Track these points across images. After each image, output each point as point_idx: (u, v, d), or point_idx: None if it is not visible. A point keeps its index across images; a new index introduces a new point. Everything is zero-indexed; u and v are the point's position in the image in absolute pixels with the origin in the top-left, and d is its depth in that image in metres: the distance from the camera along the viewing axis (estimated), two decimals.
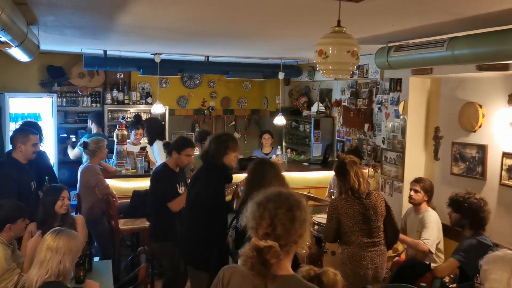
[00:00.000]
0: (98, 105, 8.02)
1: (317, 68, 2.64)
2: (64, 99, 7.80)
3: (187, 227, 3.77)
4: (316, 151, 7.21)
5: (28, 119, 6.47)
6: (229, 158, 3.76)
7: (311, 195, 5.38)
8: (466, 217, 3.71)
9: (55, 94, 7.34)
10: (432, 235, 4.11)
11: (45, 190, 3.94)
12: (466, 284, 3.48)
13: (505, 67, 3.94)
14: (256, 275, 1.83)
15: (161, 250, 4.36)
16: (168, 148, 4.49)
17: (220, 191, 3.74)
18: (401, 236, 4.28)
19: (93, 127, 7.00)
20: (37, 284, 2.56)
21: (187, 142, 4.32)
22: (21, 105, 6.91)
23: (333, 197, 4.81)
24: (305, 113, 7.65)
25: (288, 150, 8.11)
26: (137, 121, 6.64)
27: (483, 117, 4.53)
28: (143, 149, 6.16)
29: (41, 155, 4.68)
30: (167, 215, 4.18)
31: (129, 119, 7.86)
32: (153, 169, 5.94)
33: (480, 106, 4.55)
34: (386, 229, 3.80)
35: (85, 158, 5.10)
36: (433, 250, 4.09)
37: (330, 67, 2.53)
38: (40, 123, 5.93)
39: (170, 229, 4.16)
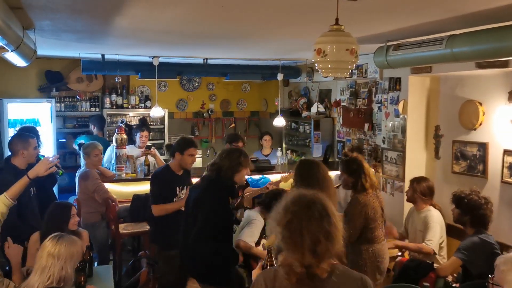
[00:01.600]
0: (97, 110, 8.00)
1: (316, 67, 2.62)
2: (62, 104, 7.79)
3: (197, 246, 3.55)
4: (317, 152, 7.18)
5: (26, 125, 6.44)
6: (241, 174, 3.63)
7: None
8: (466, 214, 3.70)
9: (53, 99, 7.32)
10: (435, 235, 4.09)
11: (53, 207, 3.88)
12: (469, 283, 3.45)
13: (504, 64, 3.91)
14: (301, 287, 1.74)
15: (160, 255, 4.32)
16: (171, 150, 4.42)
17: (228, 210, 3.62)
18: (403, 243, 4.27)
19: (94, 130, 7.01)
20: None
21: (190, 142, 4.20)
22: (20, 110, 6.89)
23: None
24: (304, 114, 7.63)
25: (289, 151, 8.09)
26: (142, 124, 6.63)
27: (483, 115, 4.51)
28: (148, 147, 6.12)
29: (37, 161, 4.65)
30: (166, 219, 4.11)
31: (129, 123, 7.89)
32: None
33: (480, 103, 4.53)
34: None
35: (82, 162, 5.08)
36: (436, 250, 4.07)
37: (329, 66, 2.50)
38: (38, 128, 5.89)
39: (169, 234, 4.10)
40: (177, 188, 4.18)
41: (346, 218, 3.74)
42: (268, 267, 2.17)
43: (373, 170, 5.99)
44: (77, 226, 3.78)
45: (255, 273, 2.17)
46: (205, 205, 3.51)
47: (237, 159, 3.56)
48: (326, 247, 1.71)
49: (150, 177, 4.52)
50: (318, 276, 1.72)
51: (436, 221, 4.16)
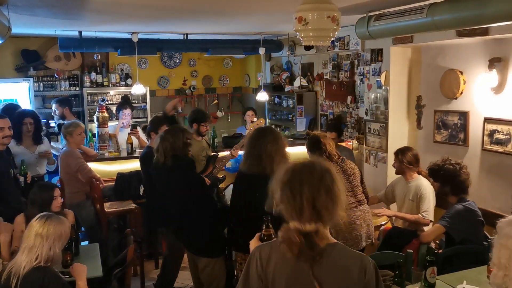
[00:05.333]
0: (77, 89, 7.85)
1: (298, 36, 2.58)
2: (41, 84, 7.59)
3: (189, 222, 3.63)
4: (300, 126, 7.19)
5: (8, 102, 6.23)
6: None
7: None
8: (445, 184, 3.75)
9: (31, 79, 7.16)
10: (429, 205, 4.14)
11: (36, 188, 3.81)
12: (451, 249, 3.53)
13: (485, 32, 3.93)
14: (304, 260, 1.69)
15: (149, 234, 4.32)
16: (146, 130, 4.37)
17: (202, 180, 3.67)
18: (402, 214, 4.29)
19: (66, 113, 6.64)
20: (25, 269, 2.53)
21: (162, 121, 4.18)
22: None
23: None
24: (287, 88, 7.60)
25: (272, 126, 8.08)
26: (124, 102, 6.51)
27: (464, 84, 4.55)
28: (134, 126, 6.03)
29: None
30: (152, 199, 4.10)
31: (109, 102, 7.78)
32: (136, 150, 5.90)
33: (461, 72, 4.56)
34: None
35: (63, 142, 5.00)
36: (432, 219, 4.12)
37: (311, 34, 2.47)
38: None
39: (156, 212, 4.09)
40: None
41: None
42: (265, 238, 2.15)
43: (356, 142, 6.05)
44: (60, 208, 3.73)
45: (252, 244, 2.12)
46: (185, 187, 3.55)
47: (183, 137, 3.57)
48: (326, 203, 1.67)
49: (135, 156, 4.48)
50: (318, 245, 1.67)
51: (429, 190, 4.17)
